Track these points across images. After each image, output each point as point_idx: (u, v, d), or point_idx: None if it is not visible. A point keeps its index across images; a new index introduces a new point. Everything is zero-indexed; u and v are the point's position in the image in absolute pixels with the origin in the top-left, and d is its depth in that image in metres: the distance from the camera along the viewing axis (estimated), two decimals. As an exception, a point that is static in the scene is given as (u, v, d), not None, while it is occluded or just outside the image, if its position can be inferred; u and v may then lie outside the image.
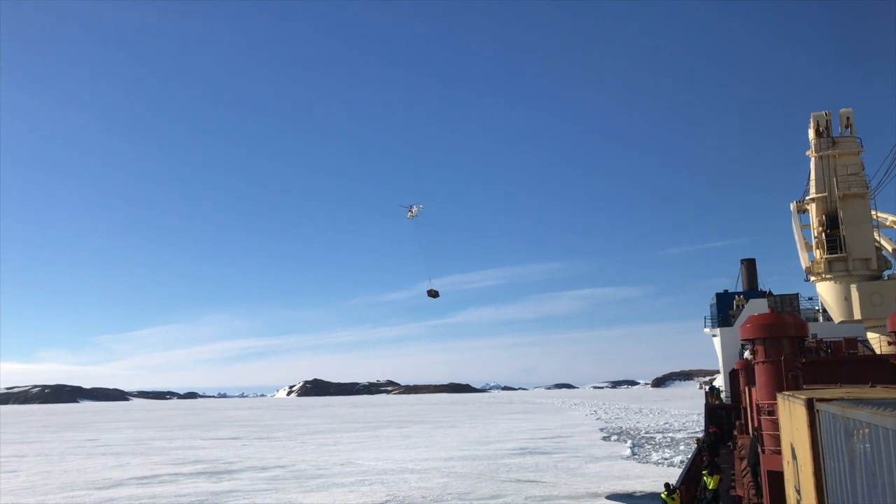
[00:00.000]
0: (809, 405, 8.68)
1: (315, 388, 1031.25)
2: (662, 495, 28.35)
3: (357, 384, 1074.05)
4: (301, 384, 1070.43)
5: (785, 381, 17.56)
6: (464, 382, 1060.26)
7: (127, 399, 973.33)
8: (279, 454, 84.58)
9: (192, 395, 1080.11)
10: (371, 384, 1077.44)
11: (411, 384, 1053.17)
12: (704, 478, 31.44)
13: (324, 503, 47.87)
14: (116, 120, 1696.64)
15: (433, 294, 52.78)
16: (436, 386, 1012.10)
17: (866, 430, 5.54)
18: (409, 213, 59.42)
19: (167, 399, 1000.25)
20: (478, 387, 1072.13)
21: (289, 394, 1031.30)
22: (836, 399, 7.76)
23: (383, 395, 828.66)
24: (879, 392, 12.49)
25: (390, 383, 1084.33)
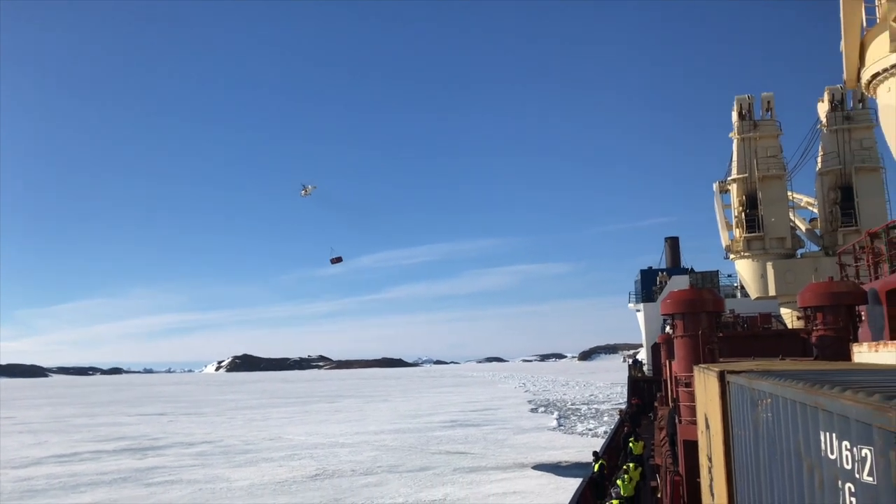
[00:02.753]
0: (721, 377, 9.09)
1: (245, 363, 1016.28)
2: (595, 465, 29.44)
3: (288, 359, 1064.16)
4: (230, 359, 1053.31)
5: (702, 354, 18.29)
6: (396, 357, 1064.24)
7: (46, 375, 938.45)
8: (207, 430, 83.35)
9: (116, 371, 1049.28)
10: (303, 359, 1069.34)
11: (344, 359, 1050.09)
12: (630, 444, 32.90)
13: (252, 478, 47.53)
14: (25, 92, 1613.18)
15: (336, 260, 60.84)
16: (368, 361, 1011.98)
17: (769, 401, 5.85)
18: (303, 192, 62.78)
19: (90, 375, 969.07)
20: (410, 361, 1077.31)
21: (217, 369, 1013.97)
22: (744, 371, 8.15)
23: (315, 371, 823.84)
24: (787, 364, 13.17)
25: (322, 359, 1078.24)
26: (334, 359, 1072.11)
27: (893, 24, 20.52)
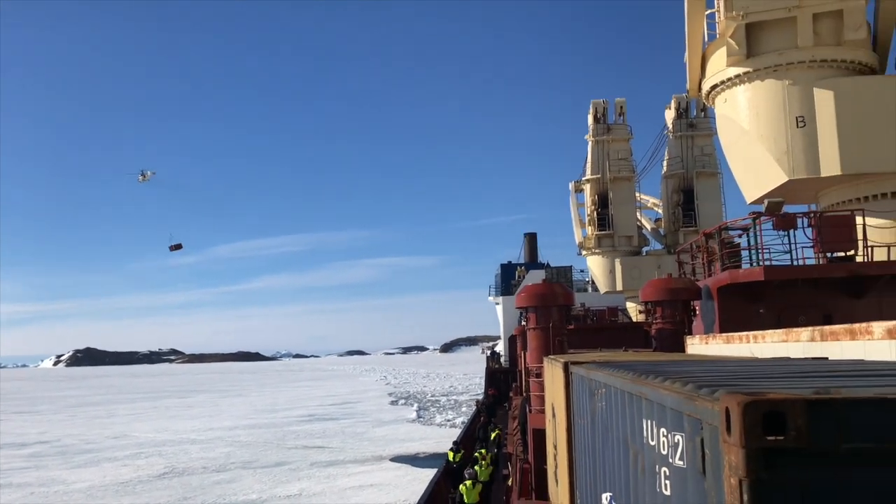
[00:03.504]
0: (566, 368, 9.41)
1: (87, 357, 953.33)
2: (449, 454, 29.91)
3: (137, 353, 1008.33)
4: (71, 353, 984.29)
5: (552, 345, 18.99)
6: (254, 351, 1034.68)
7: None
8: (42, 429, 77.39)
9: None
10: (152, 353, 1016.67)
11: (197, 353, 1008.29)
12: (490, 431, 34.13)
13: (92, 479, 44.61)
14: None
15: (176, 247, 60.99)
16: (224, 355, 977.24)
17: (603, 391, 6.08)
18: (141, 178, 61.49)
19: None
20: (268, 355, 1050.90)
21: (56, 364, 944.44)
22: (585, 362, 8.47)
23: (166, 365, 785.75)
24: (627, 355, 13.87)
25: (174, 352, 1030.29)
26: (187, 352, 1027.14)
27: (730, 40, 22.15)
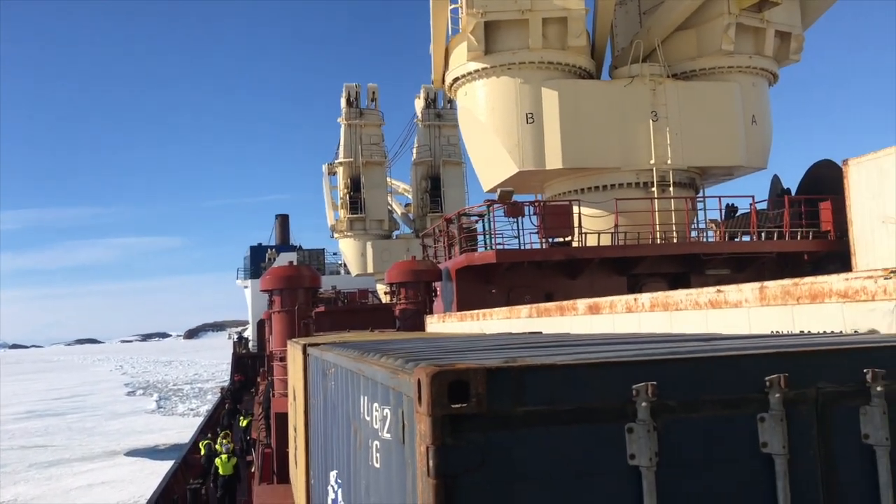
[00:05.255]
0: (304, 350, 9.37)
1: None
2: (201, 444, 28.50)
3: None
4: None
5: (297, 328, 18.85)
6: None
7: None
8: None
9: None
10: None
11: None
12: (240, 420, 33.12)
13: None
14: None
15: None
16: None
17: (332, 370, 6.14)
18: None
19: None
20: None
21: None
22: (321, 343, 8.50)
23: None
24: (370, 335, 14.18)
25: None
26: None
27: (471, 36, 23.43)
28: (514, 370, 2.69)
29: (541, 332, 9.13)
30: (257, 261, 76.60)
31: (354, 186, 55.36)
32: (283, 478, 15.53)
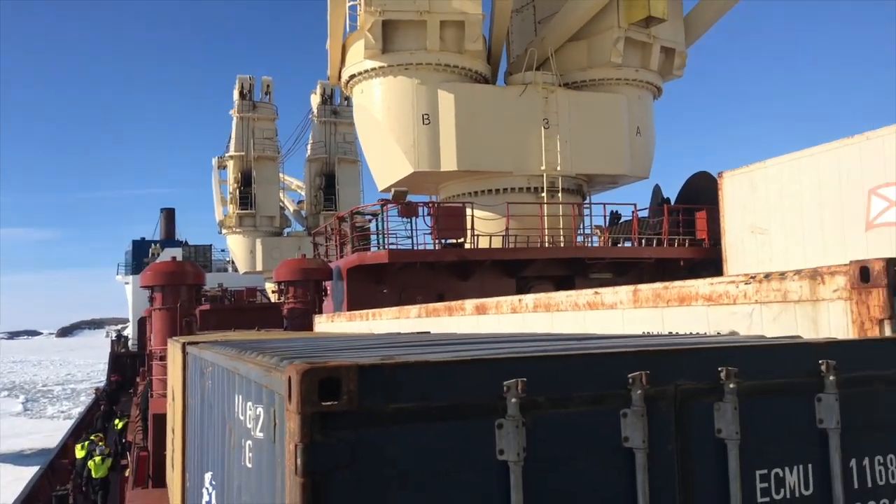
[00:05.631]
0: (184, 348, 9.04)
1: None
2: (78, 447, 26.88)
3: None
4: None
5: (179, 327, 18.15)
6: None
7: None
8: None
9: None
10: None
11: None
12: (116, 423, 31.44)
13: None
14: None
15: None
16: None
17: (210, 369, 5.94)
18: None
19: None
20: None
21: None
22: (201, 342, 8.23)
23: None
24: (254, 334, 13.84)
25: None
26: None
27: (368, 33, 23.31)
28: (386, 367, 2.68)
29: (429, 332, 9.19)
30: (140, 256, 73.26)
31: (245, 181, 53.99)
32: (160, 482, 14.91)
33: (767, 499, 3.10)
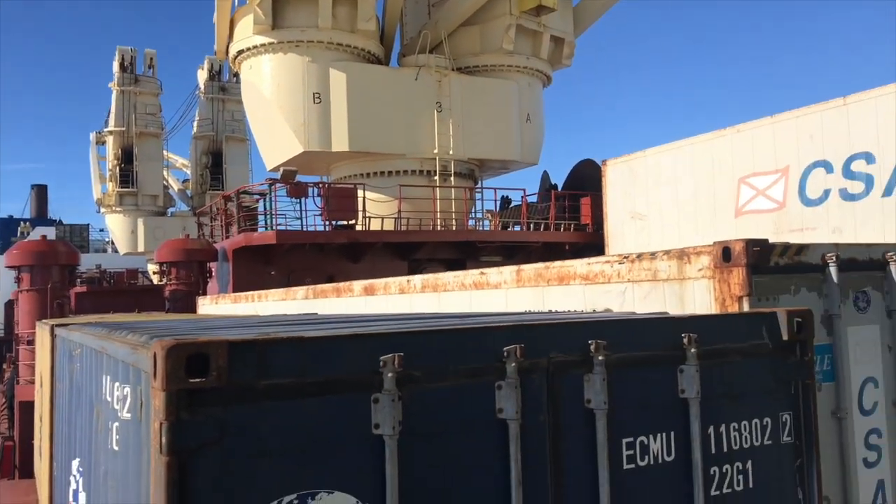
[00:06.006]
0: (52, 331, 8.55)
1: None
2: None
3: None
4: None
5: (50, 309, 17.13)
6: None
7: None
8: None
9: None
10: None
11: None
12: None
13: None
14: None
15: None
16: None
17: (79, 351, 5.65)
18: None
19: None
20: None
21: None
22: (71, 324, 7.80)
23: None
24: (132, 317, 13.24)
25: None
26: None
27: (258, 8, 22.59)
28: (258, 343, 2.62)
29: (316, 314, 9.08)
30: (7, 235, 68.53)
31: (126, 158, 51.38)
32: (27, 473, 14.08)
33: (633, 465, 3.26)
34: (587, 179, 24.08)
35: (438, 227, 23.42)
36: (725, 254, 4.41)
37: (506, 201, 26.60)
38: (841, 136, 12.84)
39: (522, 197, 24.66)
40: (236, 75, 54.26)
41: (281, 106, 23.34)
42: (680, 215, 16.47)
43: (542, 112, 27.98)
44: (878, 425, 4.93)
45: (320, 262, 20.48)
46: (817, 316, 4.59)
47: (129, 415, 3.25)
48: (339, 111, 23.14)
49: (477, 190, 26.51)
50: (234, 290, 19.09)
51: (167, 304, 19.68)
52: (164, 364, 2.43)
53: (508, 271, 6.54)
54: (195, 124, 55.45)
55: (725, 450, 3.51)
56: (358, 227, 21.75)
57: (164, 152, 55.60)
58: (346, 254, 21.10)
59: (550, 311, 5.52)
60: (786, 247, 4.56)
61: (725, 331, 3.65)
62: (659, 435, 3.34)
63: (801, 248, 4.65)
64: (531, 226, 24.36)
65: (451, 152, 24.46)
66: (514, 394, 2.97)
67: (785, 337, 3.68)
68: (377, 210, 22.37)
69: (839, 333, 4.75)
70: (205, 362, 2.49)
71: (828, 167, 13.24)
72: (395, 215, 22.15)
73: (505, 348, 3.00)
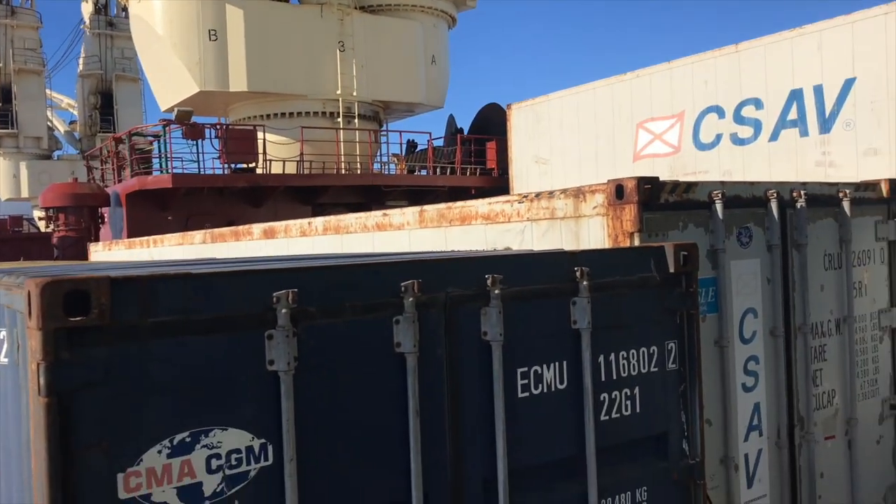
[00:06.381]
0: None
1: None
2: None
3: None
4: None
5: (-77, 258, 15.96)
6: None
7: None
8: None
9: None
10: None
11: None
12: None
13: None
14: None
15: None
16: None
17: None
18: None
19: None
20: None
21: None
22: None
23: None
24: (16, 265, 12.51)
25: None
26: None
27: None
28: (142, 280, 2.52)
29: (214, 258, 8.82)
30: None
31: (4, 97, 47.99)
32: None
33: (527, 394, 3.36)
34: (493, 124, 24.18)
35: (343, 171, 23.10)
36: (619, 191, 4.53)
37: (411, 145, 26.43)
38: (733, 82, 13.33)
39: (428, 141, 24.57)
40: (125, 10, 51.27)
41: (174, 43, 22.15)
42: (581, 159, 16.81)
43: (447, 54, 27.73)
44: (756, 353, 5.27)
45: (220, 207, 19.89)
46: (703, 251, 4.81)
47: (6, 360, 3.08)
48: (237, 49, 22.20)
49: (382, 133, 26.21)
50: (129, 237, 18.32)
51: (56, 252, 18.71)
52: (39, 302, 2.30)
53: (411, 212, 6.53)
54: (80, 61, 52.08)
55: (615, 377, 3.67)
56: (259, 171, 21.18)
57: (47, 91, 52.17)
58: (246, 198, 20.55)
59: (452, 251, 5.57)
60: (675, 184, 4.74)
61: (616, 264, 3.77)
62: (552, 364, 3.45)
63: (690, 186, 4.83)
64: (437, 170, 24.35)
65: (354, 93, 23.99)
66: (412, 328, 2.98)
67: (671, 269, 3.84)
68: (278, 153, 21.80)
69: (723, 267, 5.00)
70: (86, 300, 2.37)
71: (720, 112, 13.74)
72: (298, 158, 21.65)
73: (402, 283, 3.00)
